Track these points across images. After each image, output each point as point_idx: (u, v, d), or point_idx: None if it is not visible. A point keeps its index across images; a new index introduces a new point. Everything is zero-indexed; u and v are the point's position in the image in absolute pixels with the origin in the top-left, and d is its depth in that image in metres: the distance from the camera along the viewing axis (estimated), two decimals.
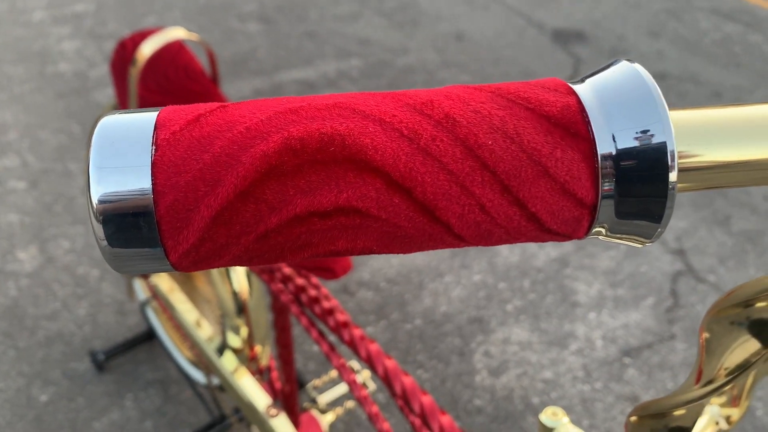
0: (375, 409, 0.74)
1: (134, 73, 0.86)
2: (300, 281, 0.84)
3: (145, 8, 2.78)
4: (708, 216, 1.99)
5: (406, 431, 1.32)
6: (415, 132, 0.17)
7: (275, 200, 0.16)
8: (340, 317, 0.79)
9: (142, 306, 1.37)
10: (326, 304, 0.80)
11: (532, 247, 1.81)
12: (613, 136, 0.18)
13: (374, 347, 0.74)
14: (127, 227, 0.16)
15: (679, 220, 1.96)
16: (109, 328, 1.47)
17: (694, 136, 0.19)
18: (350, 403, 1.16)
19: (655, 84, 0.18)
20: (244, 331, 1.06)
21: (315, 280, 0.86)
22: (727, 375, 0.28)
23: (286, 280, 0.85)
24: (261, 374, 1.12)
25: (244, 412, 1.06)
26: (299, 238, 0.17)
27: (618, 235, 0.19)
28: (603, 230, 0.19)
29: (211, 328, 1.13)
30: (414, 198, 0.17)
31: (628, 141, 0.18)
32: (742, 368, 0.28)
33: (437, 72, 2.56)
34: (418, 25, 2.89)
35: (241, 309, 1.05)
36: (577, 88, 0.19)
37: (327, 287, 1.63)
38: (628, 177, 0.18)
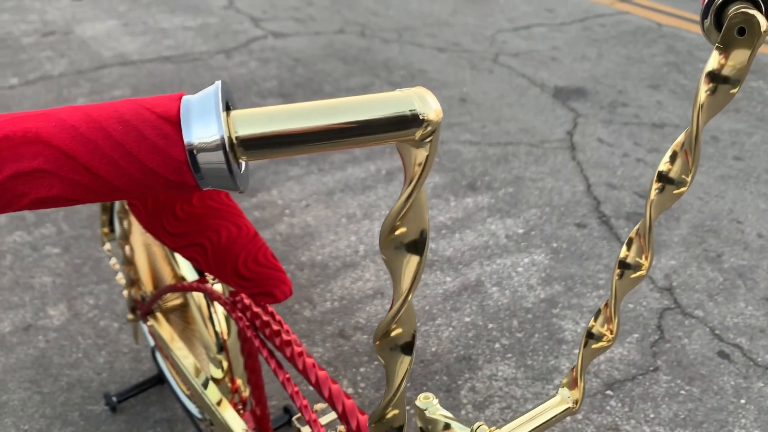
0: None
1: None
2: (256, 309, 0.98)
3: (174, 91, 3.06)
4: (699, 253, 2.05)
5: None
6: (79, 124, 0.31)
7: (5, 162, 0.30)
8: (285, 337, 0.92)
9: (153, 351, 1.52)
10: (275, 327, 0.93)
11: (522, 289, 1.90)
12: (191, 122, 0.31)
13: (309, 360, 0.86)
14: None
15: (668, 259, 2.02)
16: (124, 374, 1.62)
17: (252, 125, 0.32)
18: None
19: (218, 92, 0.32)
20: (225, 365, 1.20)
21: (271, 308, 0.99)
22: (406, 293, 0.40)
23: (244, 309, 0.99)
24: (243, 405, 1.24)
25: None
26: (17, 188, 0.31)
27: (216, 187, 0.32)
28: (206, 183, 0.32)
29: (199, 365, 1.26)
30: (78, 161, 0.31)
31: (201, 126, 0.31)
32: (414, 281, 0.40)
33: (440, 132, 2.72)
34: None
35: (222, 346, 1.19)
36: (186, 97, 0.33)
37: (319, 334, 1.75)
38: (201, 148, 0.31)
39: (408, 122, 0.32)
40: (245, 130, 0.31)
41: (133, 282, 1.34)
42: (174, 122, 0.31)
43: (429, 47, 3.60)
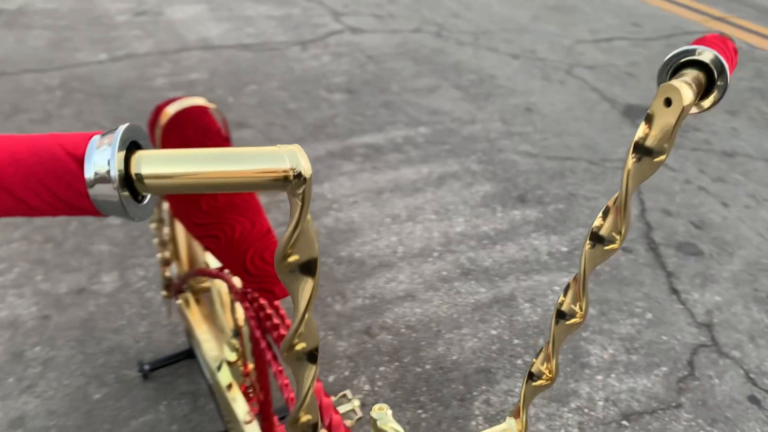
0: None
1: (158, 127, 1.12)
2: (263, 302, 1.04)
3: (248, 79, 3.18)
4: (748, 292, 1.97)
5: None
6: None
7: None
8: (283, 332, 0.97)
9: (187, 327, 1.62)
10: (276, 321, 0.99)
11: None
12: (93, 160, 0.36)
13: None
14: None
15: (713, 294, 1.95)
16: (160, 345, 1.73)
17: (148, 165, 0.36)
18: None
19: (119, 135, 0.36)
20: (239, 350, 1.27)
21: (277, 303, 1.05)
22: (304, 310, 0.44)
23: (252, 300, 1.05)
24: (254, 389, 1.31)
25: (229, 419, 1.24)
26: None
27: (116, 215, 0.37)
28: (106, 212, 0.37)
29: (217, 347, 1.34)
30: (0, 185, 0.36)
31: (100, 164, 0.35)
32: (310, 300, 0.43)
33: (498, 140, 2.72)
34: (490, 97, 3.08)
35: (237, 332, 1.26)
36: (96, 136, 0.37)
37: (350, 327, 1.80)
38: (96, 183, 0.35)
39: (280, 177, 0.36)
40: (143, 169, 0.36)
41: (168, 261, 1.43)
42: (79, 159, 0.35)
43: (503, 53, 3.57)
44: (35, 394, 1.58)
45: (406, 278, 1.98)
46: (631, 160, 0.49)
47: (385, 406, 0.71)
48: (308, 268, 0.42)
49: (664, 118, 0.47)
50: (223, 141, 1.17)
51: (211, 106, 1.17)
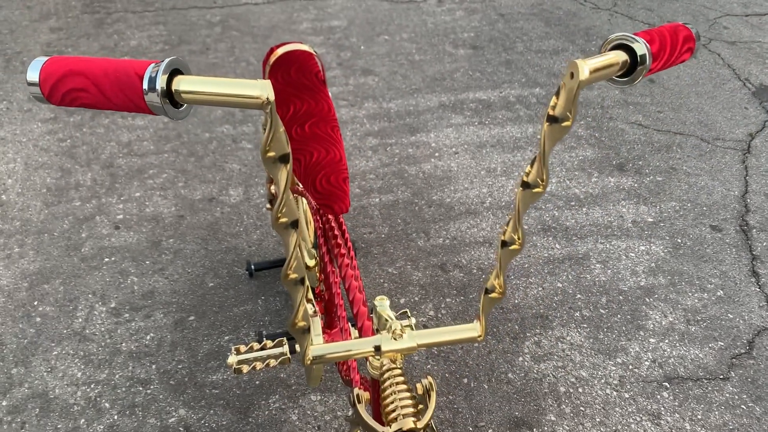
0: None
1: (268, 64, 1.37)
2: (330, 217, 1.27)
3: (381, 29, 3.39)
4: None
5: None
6: (101, 70, 0.59)
7: (68, 81, 0.60)
8: (339, 241, 1.20)
9: None
10: (337, 232, 1.23)
11: (625, 272, 1.98)
12: (147, 78, 0.57)
13: (352, 273, 1.14)
14: (32, 86, 0.61)
15: None
16: (267, 251, 2.04)
17: (182, 84, 0.58)
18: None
19: (163, 65, 0.58)
20: (317, 257, 1.52)
21: (341, 219, 1.28)
22: (283, 190, 0.65)
23: (321, 215, 1.29)
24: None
25: None
26: (72, 95, 0.58)
27: (162, 114, 0.59)
28: (156, 112, 0.59)
29: (299, 254, 1.60)
30: (99, 88, 0.57)
31: (150, 82, 0.57)
32: (286, 182, 0.64)
33: (612, 108, 2.75)
34: None
35: (317, 243, 1.51)
36: (154, 63, 0.59)
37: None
38: (148, 92, 0.58)
39: (260, 102, 0.56)
40: (177, 86, 0.58)
41: (272, 180, 1.71)
42: (141, 77, 0.58)
43: (639, 21, 3.51)
44: (164, 276, 1.95)
45: (488, 226, 2.14)
46: (545, 124, 0.64)
47: (385, 297, 0.92)
48: (283, 160, 0.62)
49: (568, 88, 0.61)
50: (319, 82, 1.40)
51: (311, 50, 1.39)
